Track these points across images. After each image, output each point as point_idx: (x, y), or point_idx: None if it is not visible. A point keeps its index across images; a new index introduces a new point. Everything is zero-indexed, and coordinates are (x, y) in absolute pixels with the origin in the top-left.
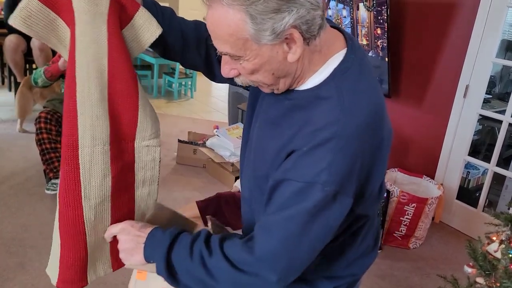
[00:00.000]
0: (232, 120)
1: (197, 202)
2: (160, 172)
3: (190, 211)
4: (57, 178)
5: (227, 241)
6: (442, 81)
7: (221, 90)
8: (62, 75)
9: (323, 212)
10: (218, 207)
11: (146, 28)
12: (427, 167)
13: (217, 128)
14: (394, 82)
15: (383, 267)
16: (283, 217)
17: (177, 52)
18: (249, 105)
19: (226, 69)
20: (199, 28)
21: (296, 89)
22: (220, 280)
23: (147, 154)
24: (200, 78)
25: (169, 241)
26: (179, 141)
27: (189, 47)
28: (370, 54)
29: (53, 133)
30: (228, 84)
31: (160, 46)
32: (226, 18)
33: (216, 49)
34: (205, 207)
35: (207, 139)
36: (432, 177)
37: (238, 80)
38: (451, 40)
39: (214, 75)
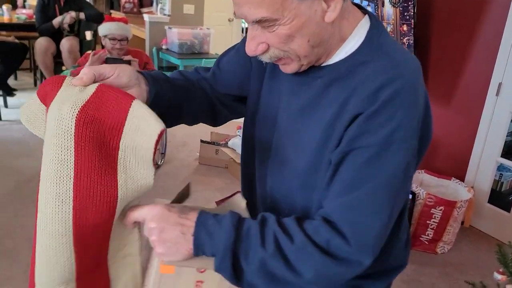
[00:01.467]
0: None
1: (217, 202)
2: (182, 173)
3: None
4: None
5: (306, 224)
6: (472, 79)
7: None
8: None
9: (406, 173)
10: None
11: (142, 132)
12: (456, 169)
13: (240, 129)
14: None
15: (409, 272)
16: (367, 191)
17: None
18: (255, 112)
19: (253, 45)
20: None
21: (325, 64)
22: (301, 270)
23: (124, 268)
24: None
25: (233, 229)
26: (202, 141)
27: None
28: None
29: None
30: None
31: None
32: None
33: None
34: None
35: (229, 139)
36: (462, 180)
37: (265, 57)
38: (482, 36)
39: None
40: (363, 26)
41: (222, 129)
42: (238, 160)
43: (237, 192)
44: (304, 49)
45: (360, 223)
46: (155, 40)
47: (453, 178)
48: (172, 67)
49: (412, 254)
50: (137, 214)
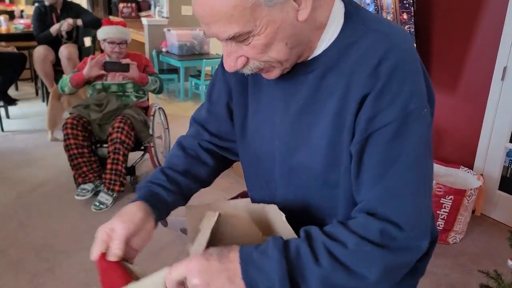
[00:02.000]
0: None
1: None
2: None
3: None
4: (85, 183)
5: (351, 224)
6: (476, 65)
7: None
8: (87, 82)
9: (429, 141)
10: None
11: None
12: (464, 157)
13: None
14: None
15: None
16: (399, 172)
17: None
18: (246, 125)
19: (231, 61)
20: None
21: (311, 57)
22: (365, 273)
23: None
24: None
25: (282, 256)
26: None
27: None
28: None
29: (79, 138)
30: None
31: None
32: None
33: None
34: None
35: None
36: (471, 167)
37: (246, 70)
38: (485, 20)
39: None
40: (338, 7)
41: None
42: None
43: (271, 203)
44: (284, 53)
45: (403, 205)
46: (155, 44)
47: (461, 167)
48: (173, 70)
49: None
50: (177, 275)
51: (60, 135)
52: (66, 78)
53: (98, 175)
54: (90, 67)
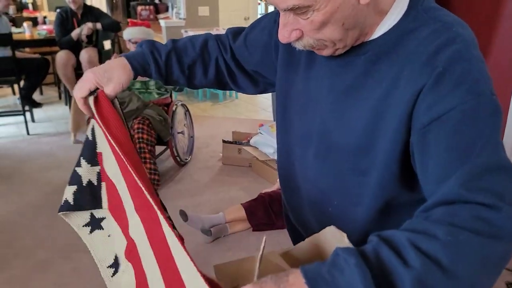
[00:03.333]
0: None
1: (242, 204)
2: (206, 174)
3: (236, 213)
4: None
5: (436, 216)
6: (500, 59)
7: None
8: None
9: (500, 131)
10: (265, 208)
11: None
12: None
13: (262, 126)
14: None
15: None
16: (478, 152)
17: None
18: (290, 95)
19: (286, 32)
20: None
21: (368, 40)
22: (461, 269)
23: None
24: None
25: (362, 264)
26: (224, 141)
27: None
28: None
29: None
30: None
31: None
32: None
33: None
34: (250, 207)
35: (251, 138)
36: None
37: (299, 44)
38: (509, 9)
39: (225, 85)
40: None
41: (244, 128)
42: (261, 158)
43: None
44: (338, 33)
45: (492, 185)
46: None
47: None
48: None
49: None
50: None
51: (83, 137)
52: None
53: None
54: None
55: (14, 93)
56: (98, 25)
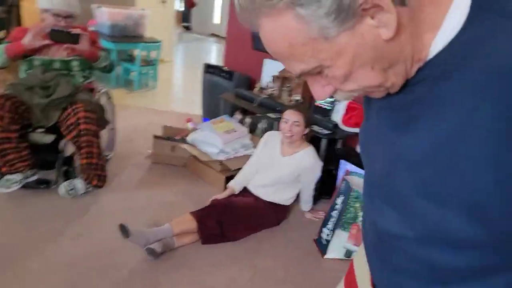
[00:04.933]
0: (209, 111)
1: (192, 213)
2: (134, 174)
3: (185, 224)
4: (12, 173)
5: None
6: None
7: (183, 80)
8: (24, 55)
9: None
10: (218, 217)
11: None
12: None
13: (191, 122)
14: None
15: None
16: None
17: None
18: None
19: (319, 90)
20: None
21: (425, 61)
22: None
23: None
24: (162, 66)
25: None
26: (155, 137)
27: None
28: None
29: (5, 120)
30: (200, 71)
31: None
32: (275, 29)
33: None
34: (201, 217)
35: (187, 135)
36: None
37: (339, 97)
38: None
39: None
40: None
41: (166, 120)
42: (202, 158)
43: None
44: (374, 78)
45: None
46: (80, 22)
47: None
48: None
49: None
50: None
51: None
52: (0, 48)
53: (29, 164)
54: (32, 36)
55: None
56: None
